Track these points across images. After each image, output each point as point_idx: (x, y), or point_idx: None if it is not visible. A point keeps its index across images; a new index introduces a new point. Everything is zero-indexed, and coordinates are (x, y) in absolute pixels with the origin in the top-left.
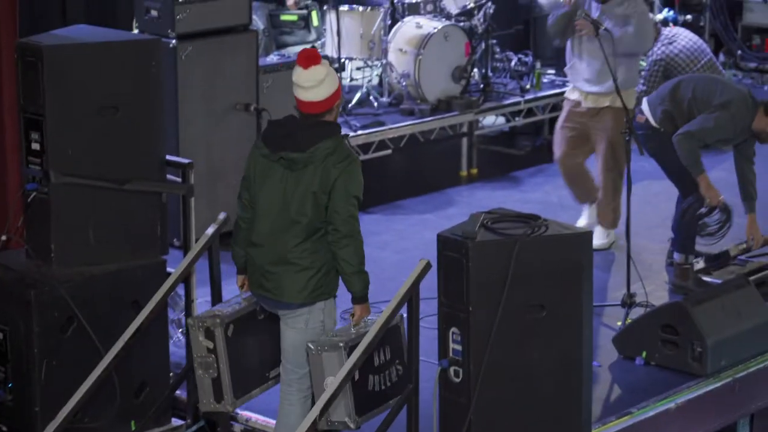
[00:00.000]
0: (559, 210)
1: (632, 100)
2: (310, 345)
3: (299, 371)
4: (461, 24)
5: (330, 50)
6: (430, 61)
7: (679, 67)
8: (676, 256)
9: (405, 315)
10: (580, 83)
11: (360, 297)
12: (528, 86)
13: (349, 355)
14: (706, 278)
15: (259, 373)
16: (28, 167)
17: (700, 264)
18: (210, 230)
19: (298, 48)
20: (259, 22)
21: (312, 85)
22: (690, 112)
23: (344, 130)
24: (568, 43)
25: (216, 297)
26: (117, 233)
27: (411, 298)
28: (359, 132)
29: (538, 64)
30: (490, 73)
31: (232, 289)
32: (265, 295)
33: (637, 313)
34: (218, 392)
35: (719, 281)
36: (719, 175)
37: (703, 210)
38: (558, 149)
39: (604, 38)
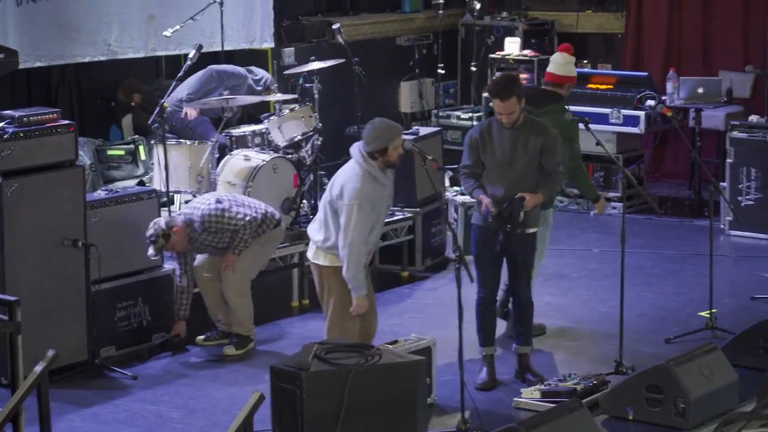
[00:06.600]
0: (391, 337)
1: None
2: None
3: None
4: (289, 156)
5: (158, 184)
6: (259, 193)
7: None
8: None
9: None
10: None
11: None
12: None
13: None
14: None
15: None
16: None
17: (536, 393)
18: (38, 368)
19: (126, 183)
20: (85, 158)
21: (552, 63)
22: None
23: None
24: None
25: None
26: None
27: (245, 431)
28: None
29: None
30: (318, 204)
31: (62, 426)
32: None
33: None
34: None
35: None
36: None
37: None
38: None
39: None
